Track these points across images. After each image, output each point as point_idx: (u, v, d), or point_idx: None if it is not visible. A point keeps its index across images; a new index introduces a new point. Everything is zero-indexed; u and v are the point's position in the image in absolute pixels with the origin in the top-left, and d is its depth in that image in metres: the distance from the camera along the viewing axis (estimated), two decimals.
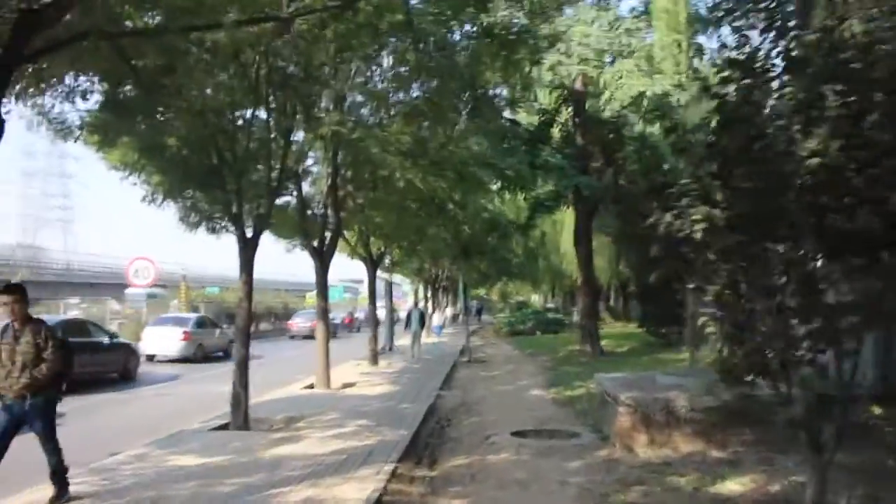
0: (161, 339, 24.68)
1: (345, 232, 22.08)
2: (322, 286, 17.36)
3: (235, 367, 11.81)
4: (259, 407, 13.86)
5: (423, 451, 9.67)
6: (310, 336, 37.18)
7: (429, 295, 45.69)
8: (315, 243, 17.03)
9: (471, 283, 57.80)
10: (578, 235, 22.91)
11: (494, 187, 23.45)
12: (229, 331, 24.64)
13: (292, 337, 39.33)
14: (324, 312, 17.47)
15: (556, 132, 23.11)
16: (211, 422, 12.12)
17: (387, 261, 28.76)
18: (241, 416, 11.59)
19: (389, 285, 30.06)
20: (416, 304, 26.93)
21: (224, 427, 11.62)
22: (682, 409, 8.20)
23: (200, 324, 26.40)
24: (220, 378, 17.98)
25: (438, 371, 20.30)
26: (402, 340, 32.05)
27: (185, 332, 24.59)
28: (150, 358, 24.00)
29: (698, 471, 7.38)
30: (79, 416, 13.19)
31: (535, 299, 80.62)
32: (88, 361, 17.22)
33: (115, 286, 43.74)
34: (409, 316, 26.23)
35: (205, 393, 16.31)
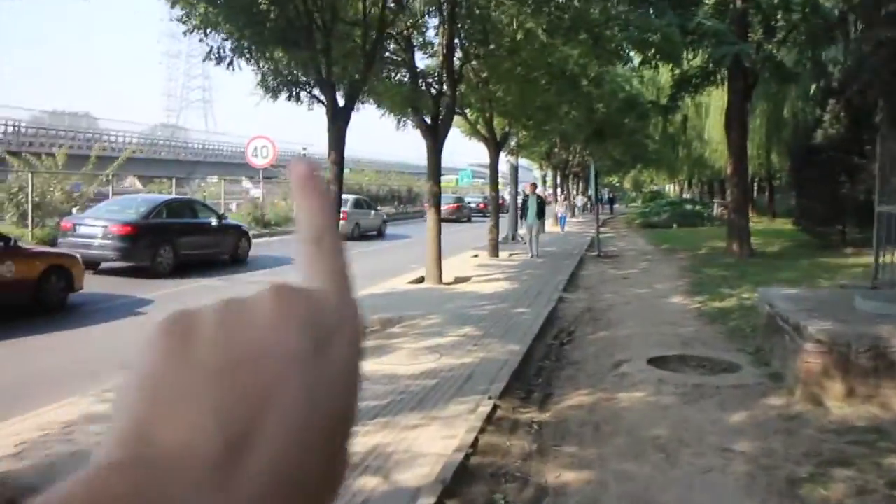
0: None
1: (466, 110, 19.98)
2: (435, 168, 15.40)
3: None
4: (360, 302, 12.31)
5: (534, 379, 7.70)
6: (447, 219, 39.30)
7: (558, 181, 43.05)
8: (427, 120, 15.02)
9: (603, 170, 54.89)
10: (731, 118, 19.75)
11: (636, 59, 20.60)
12: (383, 212, 28.13)
13: None
14: (436, 198, 15.57)
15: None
16: None
17: (512, 143, 26.47)
18: None
19: (515, 169, 27.74)
20: (534, 188, 22.09)
21: None
22: None
23: (357, 204, 27.84)
24: (358, 258, 18.16)
25: (563, 267, 18.21)
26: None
27: (343, 212, 24.86)
28: None
29: None
30: (176, 304, 12.04)
31: (670, 189, 76.57)
32: (195, 243, 16.73)
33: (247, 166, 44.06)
34: (524, 203, 21.47)
35: None
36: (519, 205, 22.73)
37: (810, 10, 18.83)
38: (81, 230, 15.20)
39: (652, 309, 11.73)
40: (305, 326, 0.38)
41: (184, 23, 8.94)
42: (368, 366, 7.90)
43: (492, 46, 14.61)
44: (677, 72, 21.92)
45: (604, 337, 9.60)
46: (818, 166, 20.95)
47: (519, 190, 27.68)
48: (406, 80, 15.31)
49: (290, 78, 10.18)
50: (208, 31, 8.96)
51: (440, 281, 15.06)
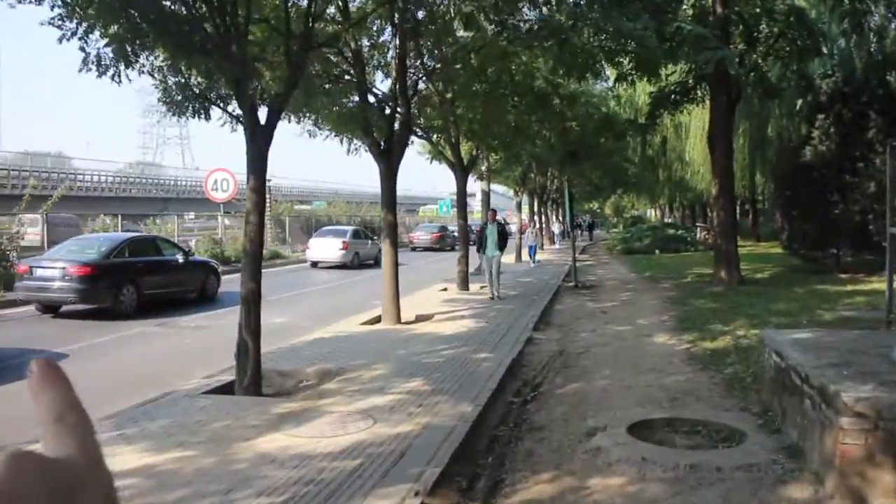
0: (323, 249, 27.79)
1: (432, 134, 18.47)
2: (390, 195, 13.78)
3: (241, 306, 8.51)
4: (299, 351, 10.70)
5: (484, 456, 6.03)
6: (431, 248, 40.28)
7: (535, 208, 41.47)
8: (381, 142, 13.47)
9: (583, 195, 53.48)
10: (714, 135, 18.28)
11: (610, 75, 19.18)
12: (379, 242, 26.68)
13: (413, 249, 40.39)
14: (391, 229, 13.94)
15: (687, 4, 18.41)
16: (221, 376, 8.98)
17: (482, 167, 24.93)
18: (247, 374, 8.32)
19: (487, 196, 26.19)
20: (493, 215, 18.34)
21: (229, 387, 8.45)
22: None
23: (356, 235, 29.27)
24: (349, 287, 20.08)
25: (536, 300, 16.60)
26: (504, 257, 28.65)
27: (343, 242, 27.53)
28: (314, 265, 27.82)
29: None
30: (89, 357, 10.46)
31: (651, 214, 75.39)
32: (160, 282, 16.17)
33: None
34: (481, 233, 17.63)
35: (282, 322, 13.84)
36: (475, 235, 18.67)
37: (795, 19, 17.56)
38: (39, 272, 14.70)
39: (634, 351, 10.10)
40: (42, 494, 0.40)
41: (58, 27, 7.33)
42: (283, 440, 6.28)
43: (446, 53, 13.12)
44: (655, 88, 20.58)
45: (576, 391, 7.94)
46: (808, 186, 19.58)
47: (500, 218, 26.05)
48: (355, 99, 13.78)
49: (198, 91, 8.58)
50: (88, 32, 7.33)
51: (398, 320, 13.45)
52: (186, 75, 8.49)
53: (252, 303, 8.50)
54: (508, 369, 9.07)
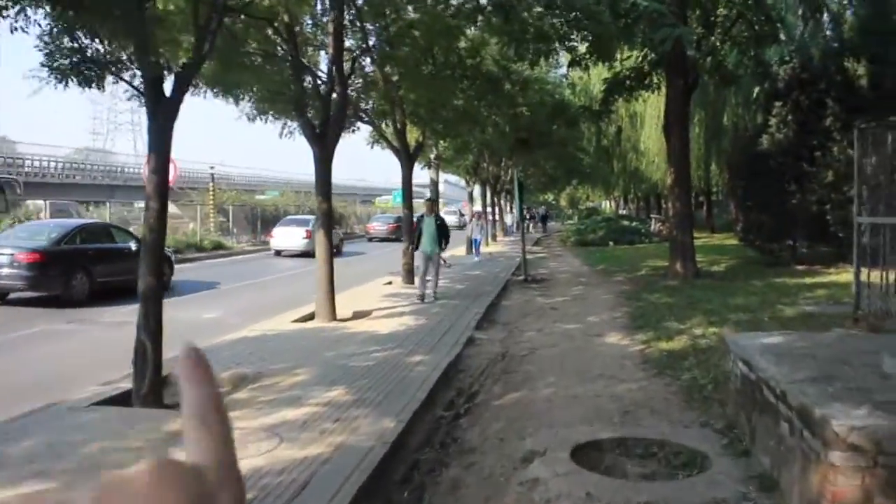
0: (287, 237, 28.31)
1: (382, 120, 17.44)
2: (324, 181, 12.73)
3: (140, 303, 7.43)
4: (218, 352, 9.61)
5: (398, 490, 5.05)
6: (388, 238, 39.80)
7: (489, 199, 40.49)
8: (316, 123, 12.45)
9: (538, 187, 52.76)
10: (670, 122, 17.46)
11: (563, 60, 18.36)
12: (340, 231, 31.96)
13: (370, 239, 41.78)
14: (326, 217, 12.91)
15: None
16: (123, 382, 7.87)
17: (431, 155, 23.94)
18: (145, 382, 7.26)
19: (435, 185, 25.22)
20: (431, 206, 16.00)
21: (128, 395, 7.39)
22: None
23: None
24: (290, 280, 19.90)
25: (482, 294, 15.66)
26: (455, 250, 27.59)
27: (307, 231, 27.19)
28: (278, 253, 28.31)
29: None
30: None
31: (606, 206, 75.10)
32: (112, 270, 15.64)
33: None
34: (416, 226, 15.70)
35: (212, 318, 13.14)
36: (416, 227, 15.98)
37: (753, 2, 16.85)
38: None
39: (583, 354, 9.18)
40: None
41: None
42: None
43: (388, 27, 12.11)
44: (610, 75, 19.76)
45: (515, 402, 6.97)
46: (765, 175, 18.92)
47: (455, 208, 25.01)
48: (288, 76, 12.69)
49: (92, 56, 7.44)
50: None
51: (333, 317, 12.44)
52: (79, 38, 7.34)
53: (151, 300, 7.44)
54: (443, 375, 8.10)
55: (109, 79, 7.85)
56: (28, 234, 15.61)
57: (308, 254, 26.62)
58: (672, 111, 17.54)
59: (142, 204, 29.07)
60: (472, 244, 27.01)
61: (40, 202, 26.32)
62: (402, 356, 9.20)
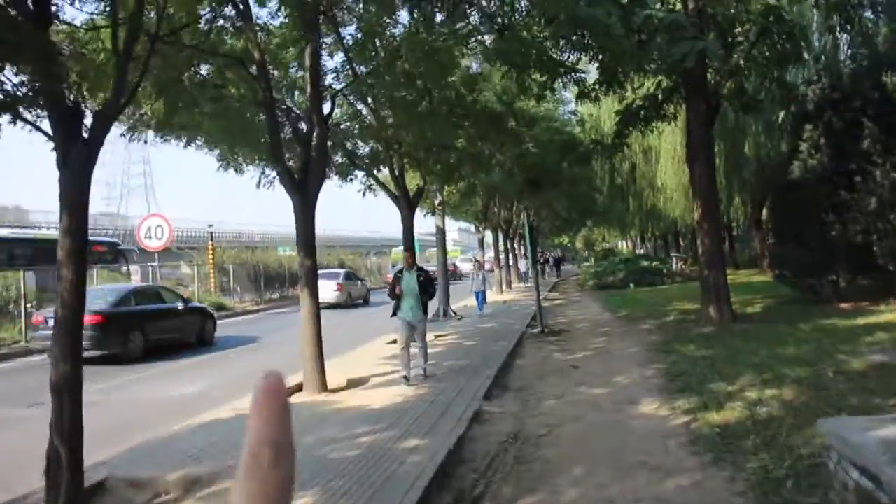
0: (320, 290, 26.82)
1: (373, 166, 16.02)
2: (307, 233, 11.16)
3: (53, 400, 5.86)
4: (176, 442, 7.99)
5: None
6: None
7: (501, 245, 38.77)
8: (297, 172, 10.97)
9: (552, 230, 51.10)
10: (694, 148, 15.82)
11: (571, 93, 16.91)
12: (367, 283, 35.29)
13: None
14: (310, 275, 11.36)
15: None
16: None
17: (436, 201, 22.43)
18: (60, 496, 5.67)
19: (442, 232, 23.66)
20: (410, 258, 12.29)
21: None
22: None
23: (348, 277, 32.50)
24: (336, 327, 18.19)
25: (493, 353, 13.94)
26: (465, 300, 25.88)
27: (338, 284, 29.84)
28: None
29: None
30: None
31: (623, 246, 73.30)
32: (163, 328, 16.88)
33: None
34: (393, 283, 11.76)
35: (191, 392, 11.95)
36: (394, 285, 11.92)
37: (774, 19, 15.34)
38: (52, 323, 13.79)
39: (614, 431, 7.43)
40: None
41: None
42: None
43: (373, 55, 10.65)
44: (622, 107, 18.28)
45: None
46: (798, 205, 17.28)
47: (470, 255, 23.33)
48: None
49: None
50: None
51: (323, 388, 10.81)
52: None
53: (66, 393, 5.85)
54: (440, 470, 6.40)
55: (5, 118, 6.32)
56: (88, 297, 15.15)
57: (339, 305, 29.64)
58: (694, 138, 15.96)
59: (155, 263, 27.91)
60: (476, 297, 24.00)
61: (134, 266, 28.66)
62: (393, 441, 7.52)
